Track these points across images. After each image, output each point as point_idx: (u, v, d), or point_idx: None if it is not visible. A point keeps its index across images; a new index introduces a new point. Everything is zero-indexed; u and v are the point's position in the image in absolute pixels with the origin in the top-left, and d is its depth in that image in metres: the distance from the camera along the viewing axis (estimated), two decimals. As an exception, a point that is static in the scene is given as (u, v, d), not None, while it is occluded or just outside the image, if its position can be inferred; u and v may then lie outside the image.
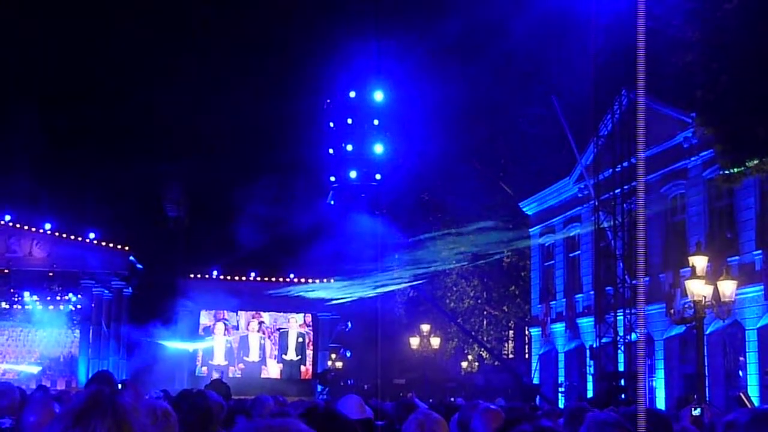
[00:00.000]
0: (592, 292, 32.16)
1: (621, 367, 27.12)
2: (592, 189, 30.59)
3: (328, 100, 40.35)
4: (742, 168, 19.49)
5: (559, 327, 37.15)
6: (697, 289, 20.72)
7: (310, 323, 41.62)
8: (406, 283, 39.79)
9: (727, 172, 20.30)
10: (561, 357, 37.20)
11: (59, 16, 52.31)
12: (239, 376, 40.17)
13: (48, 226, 38.44)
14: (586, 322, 33.71)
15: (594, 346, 28.65)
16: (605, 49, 27.12)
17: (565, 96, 32.28)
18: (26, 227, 38.56)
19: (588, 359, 32.48)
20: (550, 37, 35.50)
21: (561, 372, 37.00)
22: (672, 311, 25.20)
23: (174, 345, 39.53)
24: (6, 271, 38.68)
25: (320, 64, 43.94)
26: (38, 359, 42.68)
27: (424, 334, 42.55)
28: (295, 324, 41.58)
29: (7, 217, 38.33)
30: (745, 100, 18.61)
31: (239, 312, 41.03)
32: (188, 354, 40.99)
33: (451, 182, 42.29)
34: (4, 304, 43.16)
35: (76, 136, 48.11)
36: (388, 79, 37.89)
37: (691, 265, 21.29)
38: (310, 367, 41.60)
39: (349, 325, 44.17)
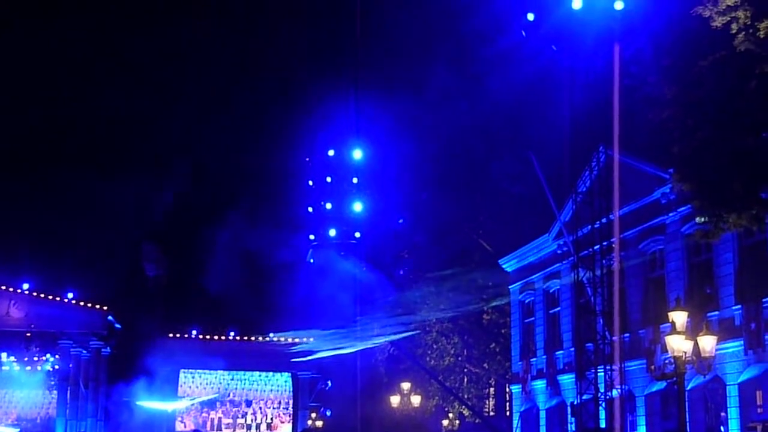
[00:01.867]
0: (572, 349, 32.10)
1: (602, 424, 27.00)
2: (571, 245, 30.61)
3: (308, 158, 40.42)
4: (720, 222, 19.58)
5: (539, 384, 37.01)
6: (677, 344, 20.70)
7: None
8: (385, 338, 39.67)
9: (704, 225, 20.38)
10: (542, 414, 37.01)
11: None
12: None
13: (26, 286, 38.26)
14: (566, 379, 33.60)
15: (575, 402, 28.53)
16: (583, 105, 27.30)
17: (542, 153, 32.42)
18: (3, 287, 38.34)
19: (569, 416, 32.33)
20: (528, 94, 35.74)
21: (542, 429, 36.81)
22: (653, 367, 25.17)
23: (152, 405, 39.23)
24: (-17, 331, 38.45)
25: (300, 122, 44.08)
26: (15, 421, 42.27)
27: (405, 392, 42.32)
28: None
29: (-15, 278, 38.17)
30: (721, 155, 18.74)
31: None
32: (167, 414, 40.66)
33: (430, 239, 42.33)
34: (-20, 366, 42.88)
35: (53, 195, 48.01)
36: (367, 138, 38.00)
37: (671, 320, 21.27)
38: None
39: (329, 383, 43.94)
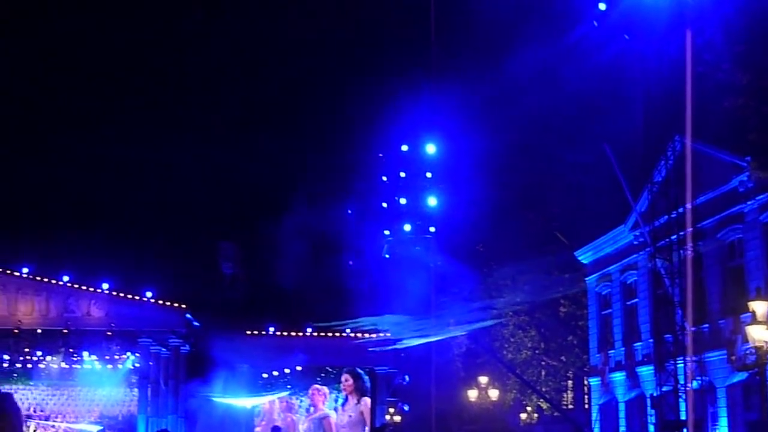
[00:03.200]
0: (650, 340, 31.80)
1: (683, 416, 26.69)
2: (647, 236, 30.31)
3: (381, 154, 40.49)
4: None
5: (618, 376, 36.75)
6: (758, 334, 20.47)
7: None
8: (461, 329, 39.61)
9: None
10: (621, 406, 36.77)
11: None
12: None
13: (105, 285, 38.77)
14: (645, 371, 33.32)
15: (654, 394, 28.25)
16: (656, 94, 27.00)
17: (617, 143, 32.14)
18: (84, 287, 38.93)
19: (649, 408, 32.03)
20: (601, 84, 35.44)
21: (622, 422, 36.55)
22: (733, 358, 24.88)
23: (232, 402, 39.54)
24: (65, 331, 38.99)
25: (372, 117, 44.14)
26: (98, 418, 42.90)
27: (482, 386, 42.34)
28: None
29: (65, 278, 38.74)
30: (799, 142, 18.47)
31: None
32: (246, 411, 40.95)
33: (505, 233, 42.21)
34: (63, 364, 43.54)
35: (131, 195, 48.76)
36: (440, 132, 37.94)
37: (751, 310, 21.02)
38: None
39: (407, 378, 43.95)
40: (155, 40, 51.14)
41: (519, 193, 41.34)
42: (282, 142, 50.79)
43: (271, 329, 40.73)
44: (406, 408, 47.06)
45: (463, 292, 40.76)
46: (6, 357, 42.79)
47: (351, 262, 39.86)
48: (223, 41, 53.14)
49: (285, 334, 40.63)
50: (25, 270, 38.79)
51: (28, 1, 52.48)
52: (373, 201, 40.31)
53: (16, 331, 39.16)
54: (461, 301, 40.50)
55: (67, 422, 41.84)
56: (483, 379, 42.48)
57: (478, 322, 39.86)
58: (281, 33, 48.26)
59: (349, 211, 40.09)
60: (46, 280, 38.74)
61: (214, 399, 38.87)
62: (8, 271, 38.84)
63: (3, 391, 4.34)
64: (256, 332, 40.82)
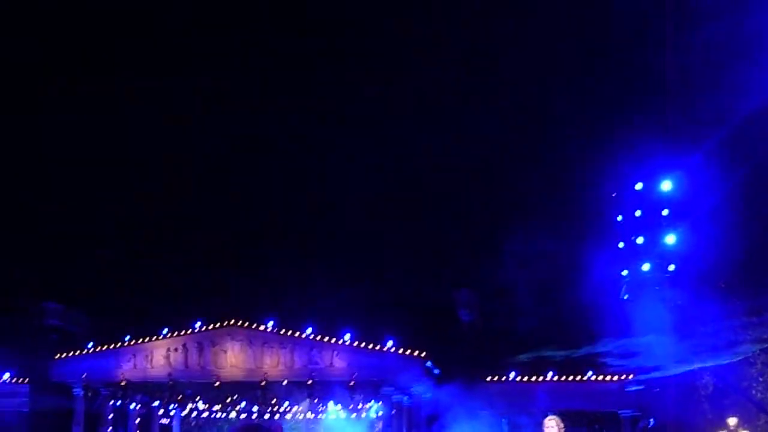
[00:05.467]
0: None
1: None
2: None
3: (614, 194, 39.90)
4: None
5: None
6: None
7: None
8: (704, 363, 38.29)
9: None
10: None
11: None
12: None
13: (347, 336, 39.55)
14: None
15: None
16: None
17: None
18: (327, 339, 39.82)
19: None
20: None
21: None
22: None
23: (474, 449, 39.51)
24: (310, 382, 39.97)
25: (602, 157, 43.65)
26: (343, 467, 43.66)
27: (732, 427, 40.80)
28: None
29: (309, 330, 39.75)
30: None
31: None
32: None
33: (749, 266, 40.75)
34: (309, 414, 44.64)
35: (369, 246, 49.69)
36: (676, 168, 37.15)
37: None
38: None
39: (652, 421, 42.90)
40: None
41: (763, 226, 39.84)
42: (510, 185, 50.81)
43: (512, 374, 40.54)
44: (652, 451, 45.91)
45: (706, 331, 39.52)
46: (254, 409, 44.21)
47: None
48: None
49: (526, 379, 40.38)
50: (270, 324, 40.07)
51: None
52: (609, 242, 39.73)
53: (262, 383, 40.46)
54: (705, 340, 39.26)
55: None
56: (732, 421, 40.92)
57: (722, 359, 38.58)
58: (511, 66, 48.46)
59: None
60: (290, 333, 39.91)
61: (458, 447, 38.95)
62: (254, 326, 40.22)
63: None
64: (496, 378, 40.72)
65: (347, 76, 52.08)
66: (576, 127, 49.81)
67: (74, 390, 41.59)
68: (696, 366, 36.51)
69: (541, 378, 40.39)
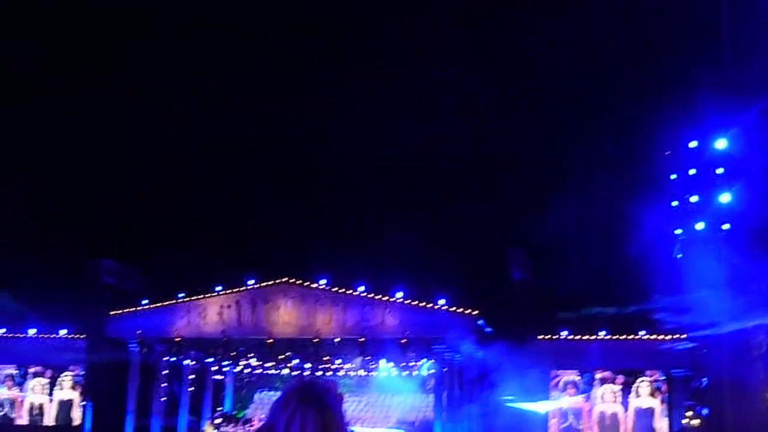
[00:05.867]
0: None
1: None
2: None
3: (668, 152, 39.56)
4: None
5: None
6: None
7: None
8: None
9: None
10: None
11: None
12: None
13: (399, 294, 39.69)
14: None
15: None
16: None
17: None
18: (379, 297, 40.00)
19: None
20: None
21: None
22: None
23: (526, 407, 39.60)
24: (361, 339, 40.19)
25: (656, 115, 43.27)
26: (395, 424, 43.97)
27: (786, 388, 40.52)
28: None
29: (361, 288, 39.95)
30: None
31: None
32: (540, 416, 40.92)
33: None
34: (361, 372, 45.01)
35: (418, 203, 49.73)
36: (731, 126, 36.74)
37: None
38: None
39: (705, 381, 42.70)
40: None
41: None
42: (563, 144, 50.58)
43: (564, 333, 40.51)
44: (704, 412, 45.67)
45: (762, 289, 39.17)
46: (307, 365, 44.63)
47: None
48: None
49: (578, 337, 40.34)
50: (322, 282, 40.30)
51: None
52: (662, 200, 39.44)
53: (315, 340, 40.76)
54: (760, 298, 38.90)
55: (366, 427, 43.04)
56: (786, 381, 40.68)
57: None
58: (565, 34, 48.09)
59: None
60: (342, 290, 40.11)
61: (508, 404, 39.04)
62: (307, 283, 40.46)
63: (325, 382, 4.48)
64: (548, 336, 40.71)
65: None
66: (630, 86, 49.39)
67: (129, 345, 42.19)
68: (749, 324, 36.27)
69: (592, 336, 40.32)
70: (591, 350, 39.82)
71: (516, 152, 49.38)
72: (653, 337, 39.77)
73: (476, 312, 39.19)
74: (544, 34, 48.94)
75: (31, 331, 44.02)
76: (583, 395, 40.84)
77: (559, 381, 41.18)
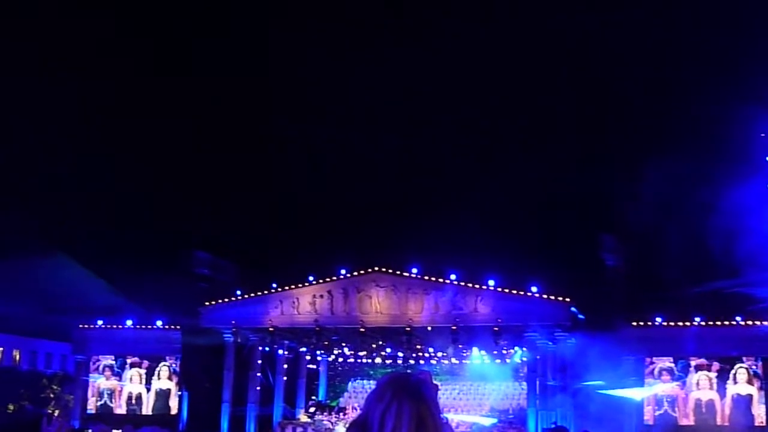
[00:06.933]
0: None
1: None
2: None
3: (763, 134, 38.89)
4: None
5: None
6: None
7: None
8: None
9: None
10: None
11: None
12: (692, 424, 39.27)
13: (491, 282, 39.58)
14: None
15: None
16: None
17: None
18: (471, 284, 39.91)
19: None
20: None
21: None
22: None
23: (620, 393, 39.25)
24: (454, 327, 40.15)
25: (752, 97, 42.54)
26: (489, 412, 43.92)
27: None
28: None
29: (453, 276, 39.91)
30: None
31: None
32: (635, 403, 40.54)
33: None
34: (454, 360, 45.08)
35: (514, 192, 49.61)
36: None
37: None
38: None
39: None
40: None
41: None
42: (655, 127, 49.98)
43: (658, 320, 40.06)
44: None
45: None
46: (400, 354, 44.82)
47: None
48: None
49: (672, 324, 39.84)
50: (414, 270, 40.34)
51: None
52: (758, 182, 38.79)
53: (407, 329, 40.82)
54: None
55: (460, 415, 43.03)
56: None
57: None
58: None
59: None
60: (434, 279, 40.12)
61: (602, 391, 38.70)
62: (398, 272, 40.55)
63: (420, 373, 4.53)
64: (641, 323, 40.28)
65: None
66: (724, 66, 48.62)
67: (224, 335, 42.73)
68: None
69: (687, 323, 39.78)
70: (685, 336, 39.28)
71: (608, 137, 48.96)
72: (749, 322, 39.09)
73: (569, 299, 38.89)
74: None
75: (128, 323, 44.86)
76: (678, 382, 40.32)
77: (654, 368, 40.72)
